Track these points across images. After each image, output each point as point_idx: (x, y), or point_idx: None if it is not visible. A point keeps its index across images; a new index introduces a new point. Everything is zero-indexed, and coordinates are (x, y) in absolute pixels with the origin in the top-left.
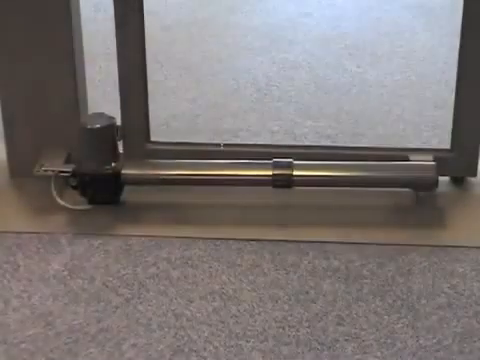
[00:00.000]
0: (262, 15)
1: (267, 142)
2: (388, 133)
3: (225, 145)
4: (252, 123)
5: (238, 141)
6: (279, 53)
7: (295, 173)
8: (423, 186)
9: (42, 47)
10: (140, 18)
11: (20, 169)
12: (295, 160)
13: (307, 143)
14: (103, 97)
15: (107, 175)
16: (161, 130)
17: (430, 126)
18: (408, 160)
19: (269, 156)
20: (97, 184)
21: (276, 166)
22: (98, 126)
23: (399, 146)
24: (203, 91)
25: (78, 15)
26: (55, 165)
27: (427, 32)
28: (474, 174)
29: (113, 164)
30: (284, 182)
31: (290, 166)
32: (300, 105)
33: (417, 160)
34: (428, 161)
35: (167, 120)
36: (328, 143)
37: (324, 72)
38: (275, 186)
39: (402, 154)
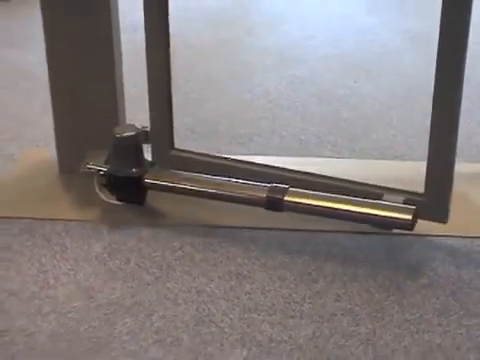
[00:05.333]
0: (274, 37)
1: (277, 145)
2: (380, 138)
3: (232, 160)
4: (264, 129)
5: (252, 145)
6: (288, 70)
7: (286, 199)
8: (400, 227)
9: (89, 63)
10: (166, 39)
11: (68, 166)
12: (291, 186)
13: (307, 170)
14: (138, 107)
15: (129, 178)
16: (186, 134)
17: (416, 133)
18: (381, 198)
19: (270, 176)
20: (120, 185)
21: (271, 190)
22: (124, 135)
23: (376, 184)
24: (222, 102)
25: (118, 35)
26: (97, 164)
27: (412, 53)
28: (444, 221)
29: (135, 169)
30: (275, 206)
31: (284, 191)
32: (305, 114)
33: (390, 201)
34: (404, 203)
35: (192, 126)
36: (329, 147)
37: (326, 86)
38: (267, 208)
39: (377, 192)
